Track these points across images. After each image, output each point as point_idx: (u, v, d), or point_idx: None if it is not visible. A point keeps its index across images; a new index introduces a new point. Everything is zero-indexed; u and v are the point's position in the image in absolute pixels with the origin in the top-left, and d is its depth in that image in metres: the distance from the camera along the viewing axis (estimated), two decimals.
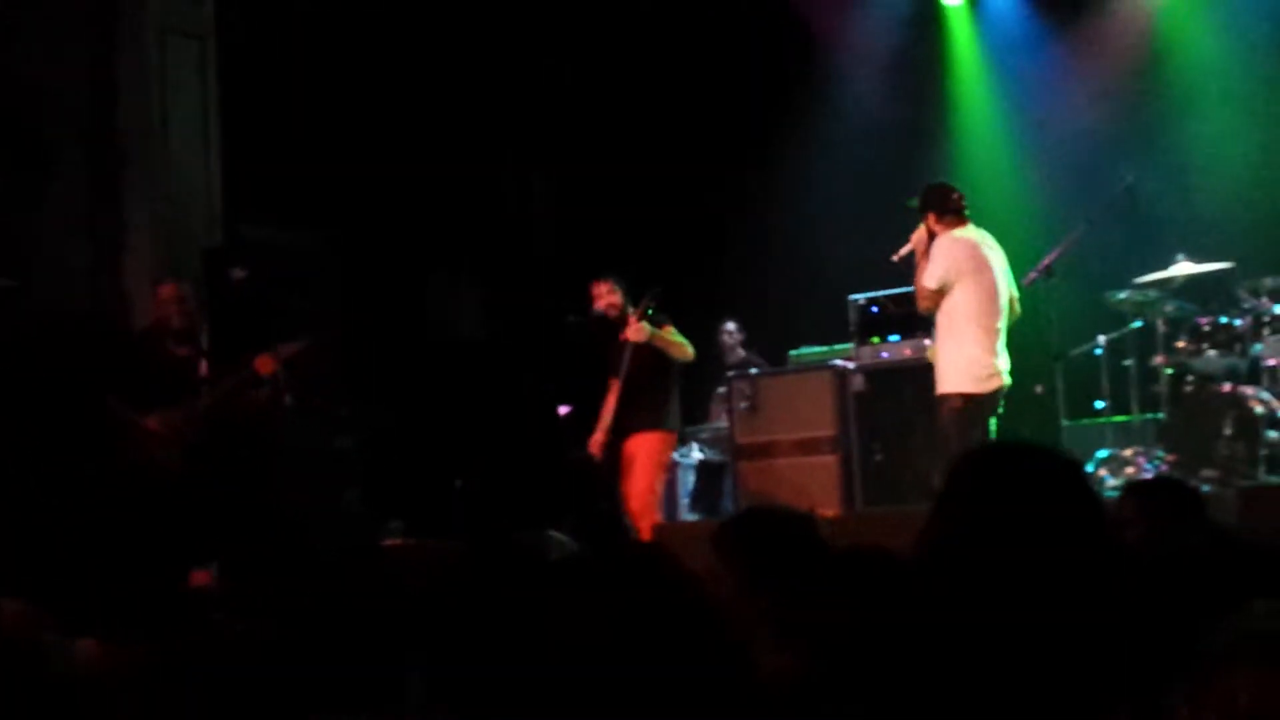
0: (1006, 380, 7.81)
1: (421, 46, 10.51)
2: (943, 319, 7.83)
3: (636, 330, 8.40)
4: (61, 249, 8.65)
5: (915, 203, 8.04)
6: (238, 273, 8.73)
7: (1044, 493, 2.13)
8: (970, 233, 7.94)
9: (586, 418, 8.90)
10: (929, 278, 7.78)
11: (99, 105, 8.91)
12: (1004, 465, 2.20)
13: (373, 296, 9.39)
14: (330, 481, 8.83)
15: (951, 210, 7.93)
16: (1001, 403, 7.82)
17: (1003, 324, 7.82)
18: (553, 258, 11.12)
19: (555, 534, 7.85)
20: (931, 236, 7.91)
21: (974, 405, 7.73)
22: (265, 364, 7.79)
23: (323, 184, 9.50)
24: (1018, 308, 8.00)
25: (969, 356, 7.75)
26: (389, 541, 8.40)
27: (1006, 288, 7.93)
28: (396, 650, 3.09)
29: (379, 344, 8.88)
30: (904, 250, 8.11)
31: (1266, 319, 8.51)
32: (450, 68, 10.72)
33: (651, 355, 8.50)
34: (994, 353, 7.78)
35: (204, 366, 8.07)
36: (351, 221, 9.72)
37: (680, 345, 8.55)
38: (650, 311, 8.49)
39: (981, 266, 7.81)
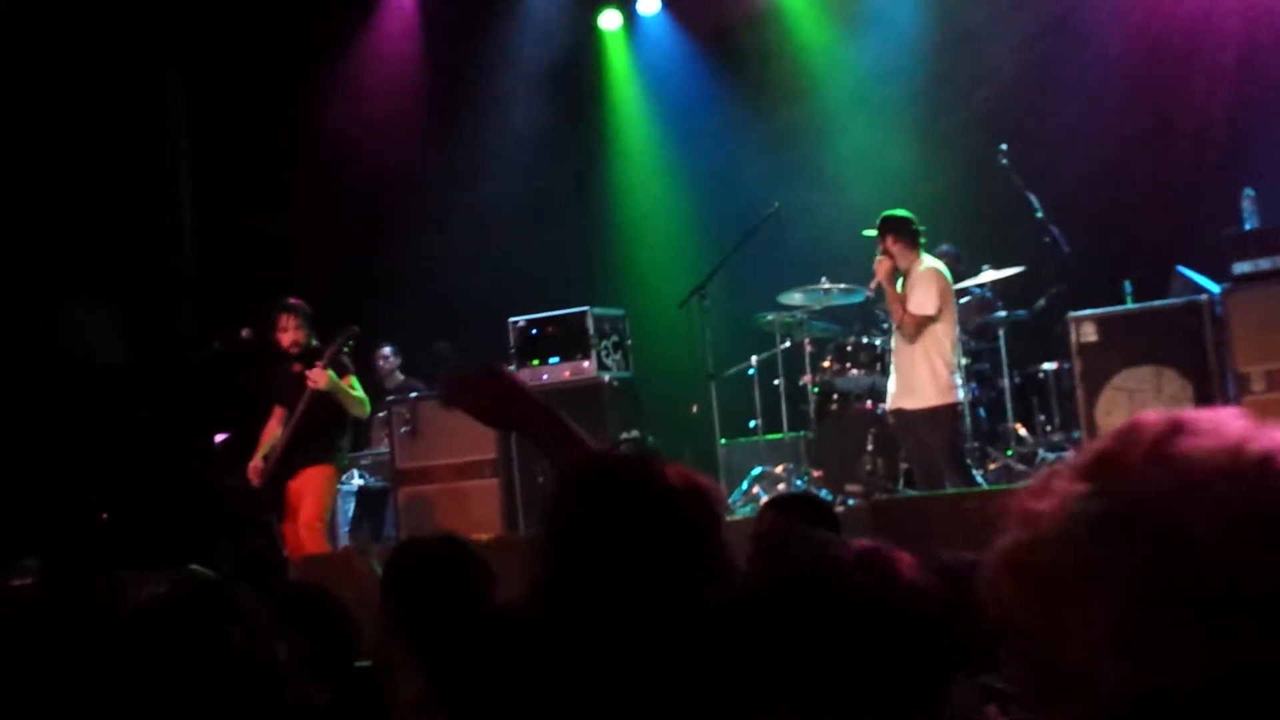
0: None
1: (46, 47, 9.92)
2: (925, 338, 7.93)
3: (319, 376, 8.20)
4: None
5: (874, 233, 8.05)
6: None
7: (637, 506, 2.13)
8: (934, 260, 8.11)
9: (245, 446, 8.61)
10: (925, 306, 7.85)
11: None
12: (603, 481, 2.21)
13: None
14: None
15: (915, 238, 8.05)
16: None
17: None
18: (197, 279, 10.69)
19: (198, 568, 7.48)
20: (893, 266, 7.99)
21: (956, 413, 7.92)
22: None
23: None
24: None
25: (950, 371, 7.94)
26: (17, 582, 7.85)
27: None
28: None
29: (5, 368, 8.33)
30: (874, 284, 8.14)
31: None
32: (78, 73, 10.17)
33: (329, 398, 8.32)
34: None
35: None
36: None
37: (358, 402, 8.45)
38: (346, 351, 8.29)
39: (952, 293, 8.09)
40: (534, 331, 9.35)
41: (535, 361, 9.34)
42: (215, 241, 10.83)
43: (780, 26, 10.95)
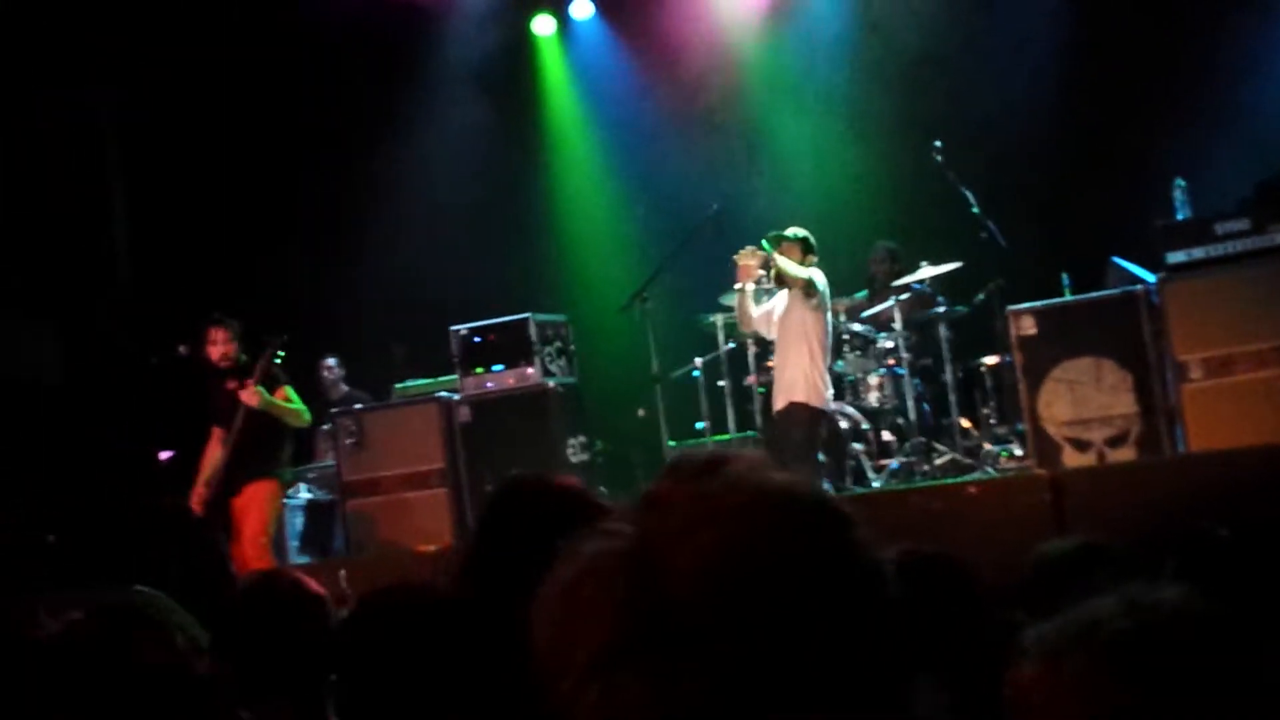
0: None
1: None
2: (807, 343, 8.18)
3: (250, 395, 8.16)
4: None
5: (768, 245, 8.24)
6: None
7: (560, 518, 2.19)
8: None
9: (190, 462, 8.54)
10: (805, 273, 8.12)
11: None
12: (524, 495, 2.26)
13: None
14: None
15: (814, 252, 8.37)
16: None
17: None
18: (133, 294, 10.58)
19: (144, 589, 7.42)
20: (765, 271, 8.27)
21: (822, 417, 8.22)
22: None
23: None
24: None
25: (825, 377, 8.23)
26: None
27: None
28: None
29: None
30: (737, 286, 8.43)
31: (845, 336, 9.00)
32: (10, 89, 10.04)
33: (265, 413, 8.26)
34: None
35: None
36: None
37: (296, 413, 8.40)
38: (276, 361, 8.23)
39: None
40: (476, 339, 9.33)
41: (479, 369, 9.31)
42: (151, 255, 10.72)
43: (711, 27, 10.98)
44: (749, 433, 9.23)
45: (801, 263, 8.30)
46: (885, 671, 1.09)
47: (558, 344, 9.39)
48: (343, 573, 4.18)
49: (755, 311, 8.47)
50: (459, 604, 2.79)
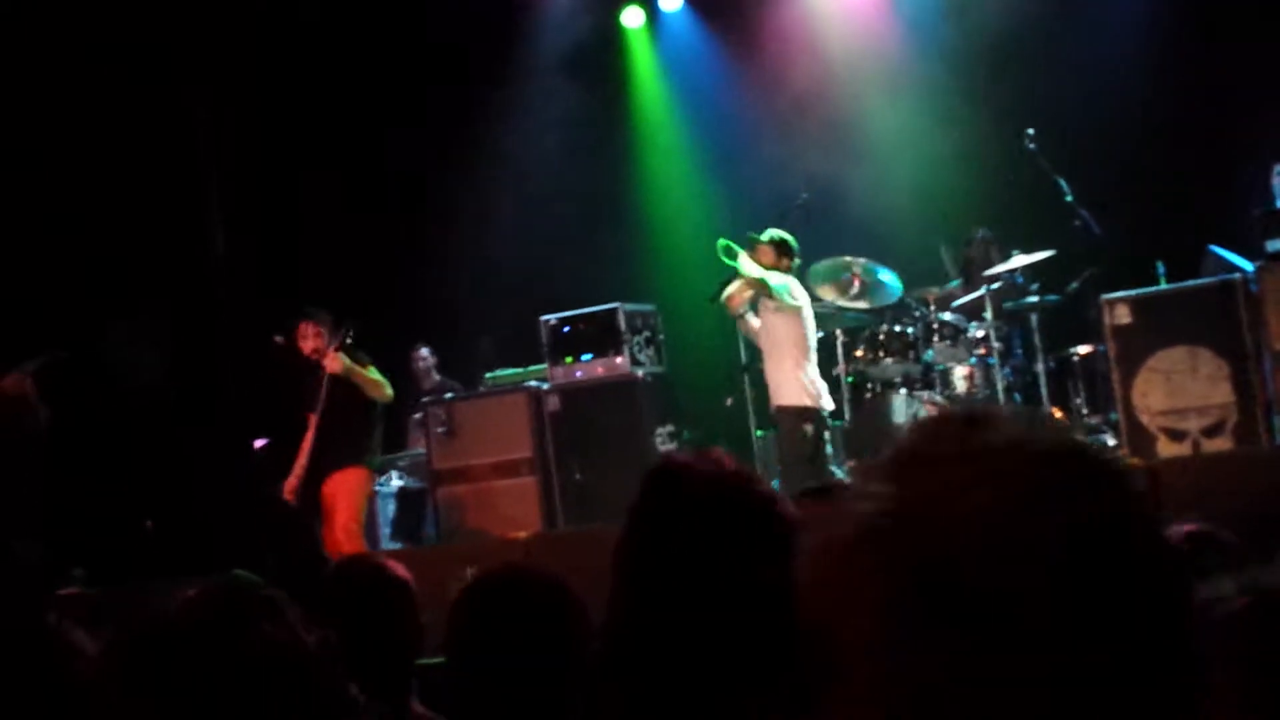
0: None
1: (80, 73, 9.99)
2: (783, 346, 8.34)
3: (333, 360, 8.22)
4: None
5: (722, 249, 8.32)
6: None
7: (718, 508, 2.15)
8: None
9: (285, 451, 8.67)
10: (777, 281, 8.22)
11: None
12: (685, 483, 2.22)
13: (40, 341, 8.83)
14: None
15: (791, 255, 8.47)
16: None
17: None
18: (230, 287, 10.74)
19: (244, 573, 7.56)
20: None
21: (818, 416, 8.29)
22: (16, 384, 7.53)
23: None
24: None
25: (807, 377, 8.32)
26: (67, 591, 7.95)
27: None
28: None
29: (55, 387, 8.38)
30: (731, 290, 8.51)
31: (936, 326, 8.95)
32: (113, 104, 10.23)
33: (348, 391, 8.32)
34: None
35: None
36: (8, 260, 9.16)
37: (378, 384, 8.41)
38: (349, 341, 8.32)
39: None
40: (566, 329, 9.39)
41: (568, 359, 9.38)
42: (246, 249, 10.88)
43: (800, 15, 10.94)
44: (836, 422, 9.20)
45: (775, 266, 8.35)
46: (1179, 646, 1.04)
47: (646, 333, 9.42)
48: (471, 570, 4.17)
49: (755, 324, 8.60)
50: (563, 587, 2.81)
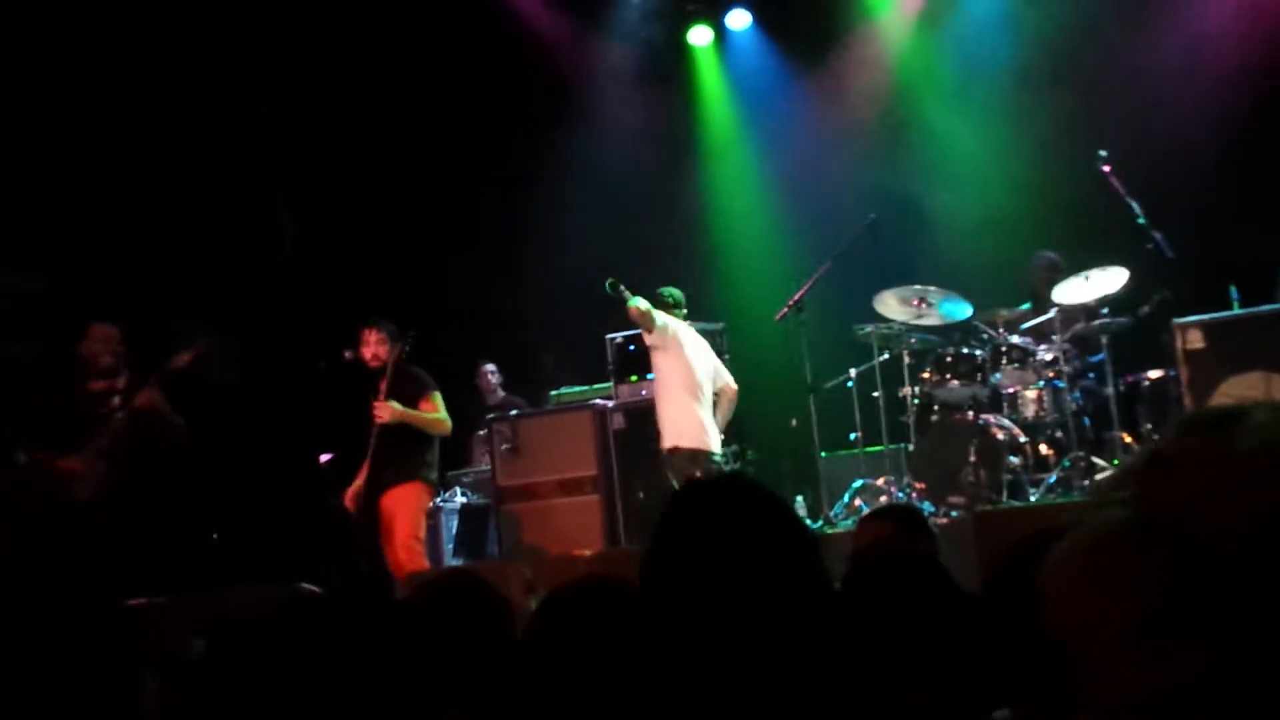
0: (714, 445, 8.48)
1: (144, 75, 10.11)
2: (664, 385, 8.48)
3: (383, 411, 8.19)
4: None
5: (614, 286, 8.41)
6: None
7: (748, 524, 2.15)
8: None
9: (350, 465, 8.69)
10: (660, 317, 8.40)
11: None
12: (712, 500, 2.25)
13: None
14: (65, 539, 8.42)
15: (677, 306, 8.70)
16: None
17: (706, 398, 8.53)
18: (301, 301, 10.84)
19: (307, 586, 7.61)
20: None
21: (691, 457, 8.34)
22: (147, 399, 7.99)
23: (46, 224, 9.08)
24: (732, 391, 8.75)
25: (685, 417, 8.40)
26: (134, 602, 8.03)
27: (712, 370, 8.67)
28: None
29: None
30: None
31: (1004, 349, 8.85)
32: (193, 100, 10.37)
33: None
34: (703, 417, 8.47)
35: (118, 401, 8.15)
36: (79, 265, 9.28)
37: (435, 422, 8.35)
38: (408, 350, 8.29)
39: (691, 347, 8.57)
40: (631, 348, 9.39)
41: (633, 377, 9.38)
42: (315, 262, 10.98)
43: (871, 36, 10.90)
44: (902, 445, 9.13)
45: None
46: None
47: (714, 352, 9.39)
48: (531, 588, 4.16)
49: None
50: (646, 599, 2.81)
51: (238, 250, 10.43)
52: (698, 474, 8.12)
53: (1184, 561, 1.00)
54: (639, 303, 8.33)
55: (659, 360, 8.52)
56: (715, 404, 8.60)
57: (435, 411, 8.34)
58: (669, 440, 8.39)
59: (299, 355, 8.99)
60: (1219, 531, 1.00)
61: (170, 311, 8.64)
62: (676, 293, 8.77)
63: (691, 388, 8.42)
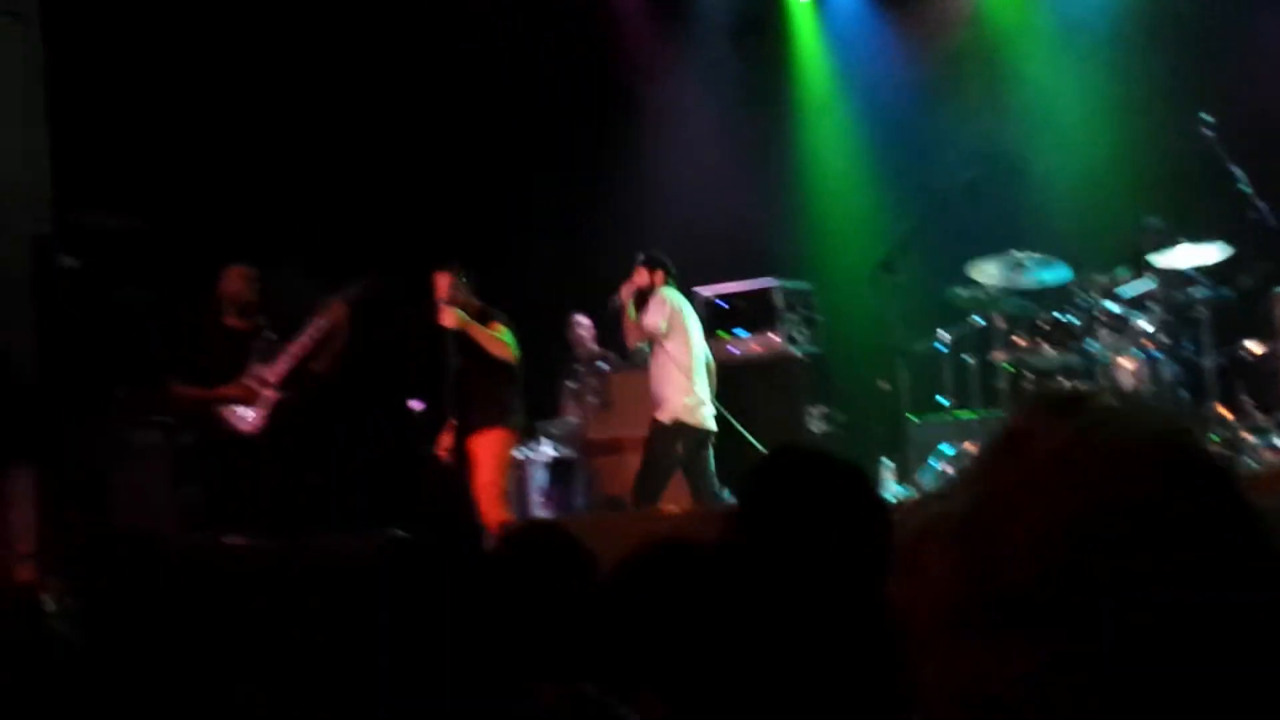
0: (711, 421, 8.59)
1: (260, 26, 10.21)
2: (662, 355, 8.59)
3: (446, 315, 8.10)
4: None
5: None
6: (69, 261, 8.48)
7: (826, 493, 2.24)
8: (678, 296, 8.76)
9: (440, 413, 8.76)
10: (650, 319, 8.54)
11: None
12: (793, 468, 2.31)
13: (210, 285, 9.07)
14: (171, 477, 8.60)
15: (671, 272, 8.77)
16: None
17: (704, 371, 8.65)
18: (393, 248, 10.91)
19: (399, 532, 7.69)
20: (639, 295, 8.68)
21: (688, 433, 8.46)
22: (337, 310, 8.39)
23: (162, 170, 9.21)
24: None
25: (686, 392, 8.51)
26: (230, 540, 8.17)
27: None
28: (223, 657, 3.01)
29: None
30: (614, 300, 8.81)
31: (1101, 316, 8.73)
32: (294, 52, 10.45)
33: (477, 350, 8.20)
34: (702, 395, 8.59)
35: (264, 336, 8.51)
36: (191, 208, 9.41)
37: (497, 342, 8.20)
38: (463, 280, 8.23)
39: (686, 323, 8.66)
40: (721, 304, 9.38)
41: (722, 334, 9.37)
42: (416, 211, 11.06)
43: (979, 3, 10.74)
44: (994, 411, 9.05)
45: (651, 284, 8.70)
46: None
47: (802, 311, 9.38)
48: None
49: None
50: (727, 559, 2.83)
51: (333, 200, 10.51)
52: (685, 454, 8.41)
53: (981, 558, 1.00)
54: (650, 323, 8.47)
55: (666, 342, 8.58)
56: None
57: (498, 333, 8.26)
58: (668, 414, 8.50)
59: (390, 306, 9.02)
60: (1016, 531, 0.99)
61: (266, 258, 8.72)
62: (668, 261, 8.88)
63: (697, 361, 8.55)
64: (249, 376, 8.38)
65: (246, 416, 8.31)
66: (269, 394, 8.36)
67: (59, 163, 8.75)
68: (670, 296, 8.65)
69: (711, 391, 8.70)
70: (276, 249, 9.43)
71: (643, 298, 8.69)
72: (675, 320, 8.56)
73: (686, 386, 8.46)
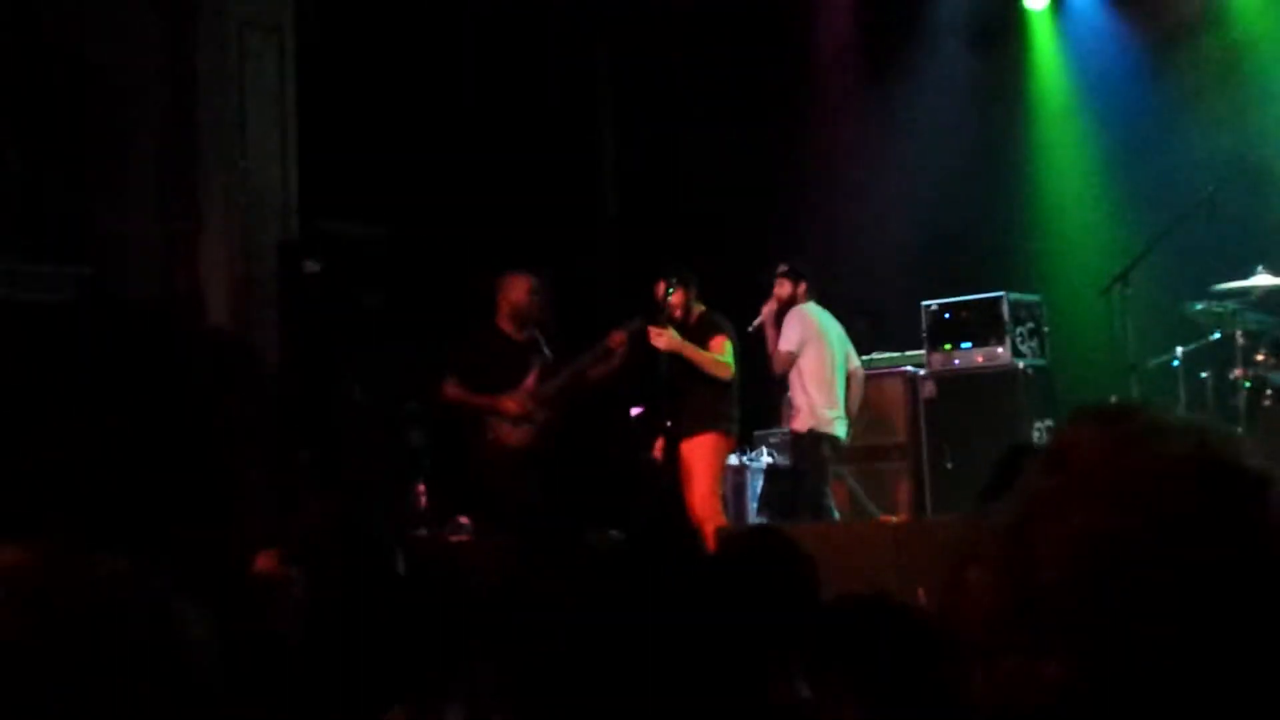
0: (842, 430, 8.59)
1: (498, 39, 10.49)
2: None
3: (659, 337, 8.12)
4: (134, 240, 8.74)
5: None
6: (312, 266, 8.82)
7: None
8: (815, 308, 8.73)
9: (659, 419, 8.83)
10: (785, 343, 8.54)
11: (175, 97, 8.97)
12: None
13: (447, 292, 9.34)
14: (400, 476, 8.87)
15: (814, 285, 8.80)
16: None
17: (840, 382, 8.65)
18: (620, 254, 11.07)
19: (615, 534, 7.81)
20: (781, 308, 8.64)
21: (827, 440, 8.48)
22: (618, 340, 8.25)
23: (401, 178, 9.53)
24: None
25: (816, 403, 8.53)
26: (455, 538, 8.41)
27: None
28: (457, 647, 3.09)
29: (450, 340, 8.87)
30: (756, 322, 8.72)
31: None
32: (530, 61, 10.70)
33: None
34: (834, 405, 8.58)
35: (542, 351, 8.51)
36: (429, 216, 9.71)
37: (715, 362, 8.14)
38: (669, 291, 8.21)
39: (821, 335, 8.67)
40: (947, 315, 9.27)
41: (947, 346, 9.26)
42: (636, 213, 11.20)
43: (1223, 9, 10.34)
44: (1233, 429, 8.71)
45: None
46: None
47: (1030, 324, 9.20)
48: (920, 590, 4.19)
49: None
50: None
51: (563, 208, 10.72)
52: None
53: (1018, 568, 1.00)
54: (784, 350, 8.54)
55: (800, 358, 8.56)
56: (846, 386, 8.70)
57: (720, 354, 8.20)
58: (802, 423, 8.52)
59: (615, 315, 9.15)
60: (1050, 541, 0.99)
61: (500, 265, 8.89)
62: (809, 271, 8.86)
63: (831, 373, 8.53)
64: (523, 390, 8.33)
65: (516, 429, 8.31)
66: (543, 413, 8.33)
67: (305, 172, 9.16)
68: (807, 313, 8.57)
69: (855, 403, 8.70)
70: (510, 259, 9.73)
71: (784, 311, 8.62)
72: (810, 334, 8.52)
73: (819, 398, 8.43)
